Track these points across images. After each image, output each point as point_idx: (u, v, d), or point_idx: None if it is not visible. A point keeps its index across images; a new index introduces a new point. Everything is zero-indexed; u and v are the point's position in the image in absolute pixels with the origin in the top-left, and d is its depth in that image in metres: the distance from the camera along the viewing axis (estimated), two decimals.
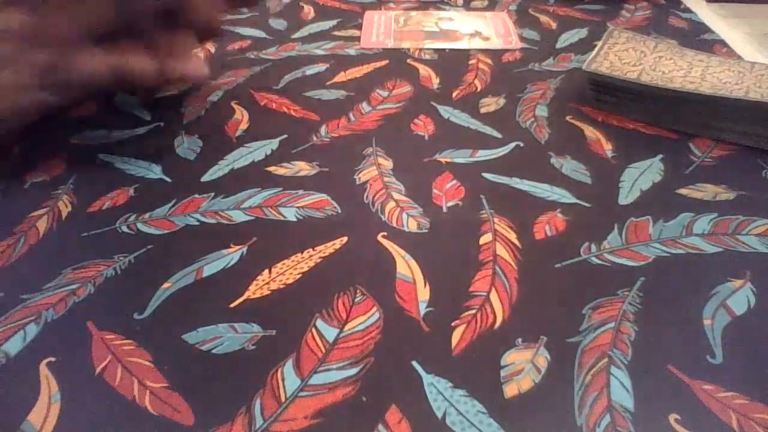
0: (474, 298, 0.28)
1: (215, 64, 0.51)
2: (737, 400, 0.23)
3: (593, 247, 0.31)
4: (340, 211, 0.34)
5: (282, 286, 0.29)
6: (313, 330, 0.26)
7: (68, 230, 0.32)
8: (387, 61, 0.51)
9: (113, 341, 0.26)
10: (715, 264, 0.30)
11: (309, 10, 0.63)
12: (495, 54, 0.53)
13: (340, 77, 0.49)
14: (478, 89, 0.47)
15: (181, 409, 0.23)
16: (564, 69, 0.50)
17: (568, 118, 0.43)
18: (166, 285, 0.29)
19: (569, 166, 0.37)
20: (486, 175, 0.36)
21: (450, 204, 0.34)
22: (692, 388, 0.24)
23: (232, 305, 0.28)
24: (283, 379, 0.24)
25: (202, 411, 0.23)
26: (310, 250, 0.31)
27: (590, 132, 0.41)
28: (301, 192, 0.35)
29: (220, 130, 0.42)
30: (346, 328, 0.26)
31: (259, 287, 0.29)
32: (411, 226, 0.32)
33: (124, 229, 0.32)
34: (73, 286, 0.29)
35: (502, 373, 0.24)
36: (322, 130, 0.41)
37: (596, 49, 0.46)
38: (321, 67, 0.50)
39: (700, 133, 0.40)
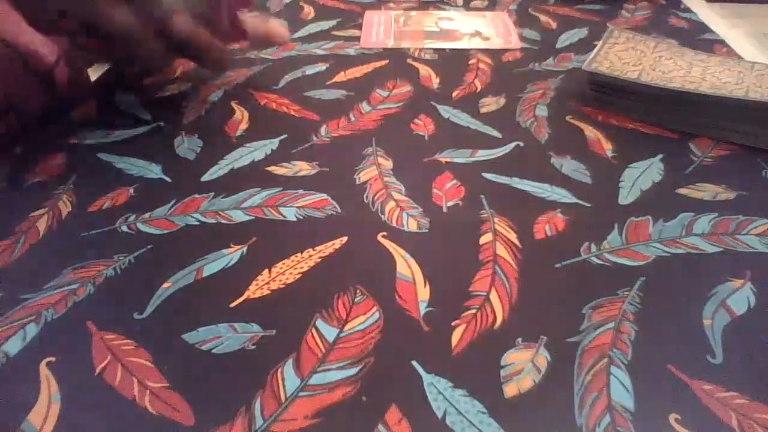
0: (474, 297, 0.28)
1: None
2: (737, 400, 0.23)
3: (593, 247, 0.31)
4: (340, 211, 0.34)
5: (282, 286, 0.29)
6: (313, 330, 0.26)
7: (68, 230, 0.32)
8: (387, 61, 0.51)
9: (113, 341, 0.26)
10: (715, 264, 0.30)
11: (309, 10, 0.63)
12: (495, 54, 0.53)
13: (340, 77, 0.49)
14: (478, 89, 0.47)
15: (181, 409, 0.23)
16: (564, 69, 0.50)
17: (568, 118, 0.43)
18: (166, 285, 0.29)
19: (569, 166, 0.37)
20: (486, 174, 0.36)
21: (450, 204, 0.34)
22: (692, 388, 0.24)
23: (232, 305, 0.28)
24: (283, 379, 0.24)
25: (202, 411, 0.23)
26: (310, 250, 0.31)
27: (590, 132, 0.41)
28: (301, 192, 0.35)
29: (220, 130, 0.42)
30: (346, 328, 0.26)
31: (259, 287, 0.29)
32: (411, 225, 0.32)
33: (124, 229, 0.32)
34: (73, 286, 0.29)
35: (502, 373, 0.24)
36: (322, 130, 0.41)
37: (596, 48, 0.46)
38: (321, 67, 0.50)
39: (700, 133, 0.40)
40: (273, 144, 0.40)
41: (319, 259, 0.30)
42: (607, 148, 0.39)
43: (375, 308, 0.27)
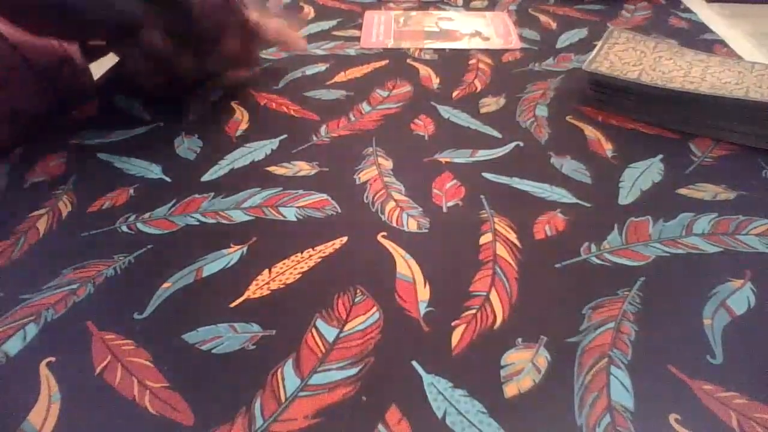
0: (474, 298, 0.28)
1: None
2: (737, 400, 0.23)
3: (593, 247, 0.31)
4: (340, 211, 0.34)
5: (282, 286, 0.29)
6: (313, 330, 0.26)
7: (68, 230, 0.32)
8: (387, 61, 0.51)
9: (113, 341, 0.26)
10: (715, 264, 0.30)
11: (309, 10, 0.63)
12: (495, 54, 0.53)
13: (340, 77, 0.49)
14: (478, 89, 0.47)
15: (181, 409, 0.23)
16: (564, 69, 0.50)
17: (568, 118, 0.43)
18: (166, 285, 0.29)
19: (569, 166, 0.37)
20: (486, 174, 0.36)
21: (450, 204, 0.34)
22: (692, 388, 0.24)
23: (232, 305, 0.28)
24: (283, 379, 0.24)
25: (202, 411, 0.23)
26: (310, 250, 0.31)
27: (590, 132, 0.41)
28: (301, 192, 0.35)
29: (220, 130, 0.42)
30: (346, 328, 0.26)
31: (259, 287, 0.28)
32: (411, 226, 0.32)
33: (124, 229, 0.32)
34: (73, 286, 0.29)
35: (502, 373, 0.24)
36: (322, 130, 0.41)
37: (596, 49, 0.46)
38: (321, 67, 0.50)
39: (700, 133, 0.40)
40: (273, 144, 0.40)
41: (319, 259, 0.30)
42: (607, 148, 0.39)
43: (375, 308, 0.27)
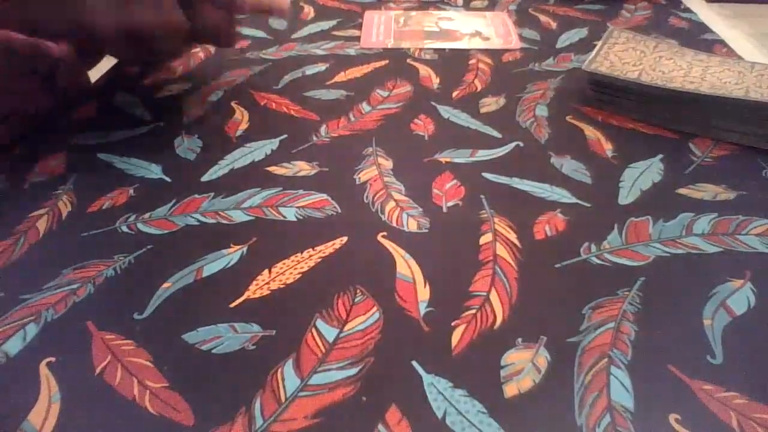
0: (474, 298, 0.28)
1: (215, 64, 0.51)
2: (737, 400, 0.23)
3: (593, 247, 0.31)
4: (340, 211, 0.34)
5: (282, 286, 0.29)
6: (313, 330, 0.26)
7: (68, 230, 0.32)
8: (387, 61, 0.51)
9: (113, 341, 0.26)
10: (715, 264, 0.30)
11: (309, 10, 0.63)
12: (495, 54, 0.53)
13: (340, 77, 0.49)
14: (478, 89, 0.47)
15: (181, 409, 0.23)
16: (564, 69, 0.50)
17: (568, 118, 0.43)
18: (166, 285, 0.29)
19: (569, 166, 0.37)
20: (486, 174, 0.36)
21: (450, 204, 0.34)
22: (692, 388, 0.24)
23: (232, 305, 0.28)
24: (283, 379, 0.24)
25: (202, 411, 0.23)
26: (310, 250, 0.31)
27: (590, 132, 0.41)
28: (301, 192, 0.35)
29: (220, 130, 0.42)
30: (346, 328, 0.26)
31: (259, 287, 0.29)
32: (411, 226, 0.32)
33: (124, 229, 0.32)
34: (73, 286, 0.29)
35: (502, 373, 0.24)
36: (322, 130, 0.41)
37: (596, 48, 0.46)
38: (321, 67, 0.50)
39: (700, 133, 0.40)
40: (273, 144, 0.40)
41: (319, 259, 0.30)
42: (607, 148, 0.39)
43: (375, 308, 0.27)
